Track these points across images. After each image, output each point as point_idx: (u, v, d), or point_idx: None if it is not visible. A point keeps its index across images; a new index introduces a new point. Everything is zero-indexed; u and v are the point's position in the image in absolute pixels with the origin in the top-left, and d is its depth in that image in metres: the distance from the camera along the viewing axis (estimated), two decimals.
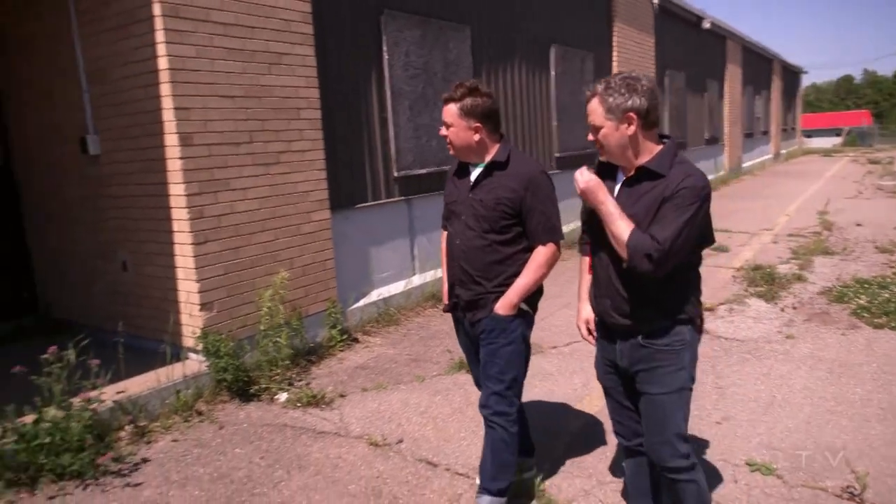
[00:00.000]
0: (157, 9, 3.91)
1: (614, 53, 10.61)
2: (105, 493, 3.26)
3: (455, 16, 6.80)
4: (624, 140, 2.25)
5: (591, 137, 2.35)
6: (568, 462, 3.41)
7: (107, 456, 3.47)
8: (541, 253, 2.76)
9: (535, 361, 4.81)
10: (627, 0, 11.02)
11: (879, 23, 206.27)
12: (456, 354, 5.02)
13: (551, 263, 2.78)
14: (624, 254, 2.21)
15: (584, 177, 2.29)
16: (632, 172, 2.31)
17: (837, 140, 45.16)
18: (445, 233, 2.97)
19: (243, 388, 4.34)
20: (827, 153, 32.88)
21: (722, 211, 12.16)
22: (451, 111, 2.69)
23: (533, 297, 2.82)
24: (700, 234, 2.26)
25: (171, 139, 4.08)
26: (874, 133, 46.51)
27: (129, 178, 4.48)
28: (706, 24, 15.14)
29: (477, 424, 3.87)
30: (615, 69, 10.63)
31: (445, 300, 2.99)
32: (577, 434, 3.75)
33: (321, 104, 5.05)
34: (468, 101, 2.67)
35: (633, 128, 2.23)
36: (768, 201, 13.68)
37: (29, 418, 3.39)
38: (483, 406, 2.84)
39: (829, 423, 3.70)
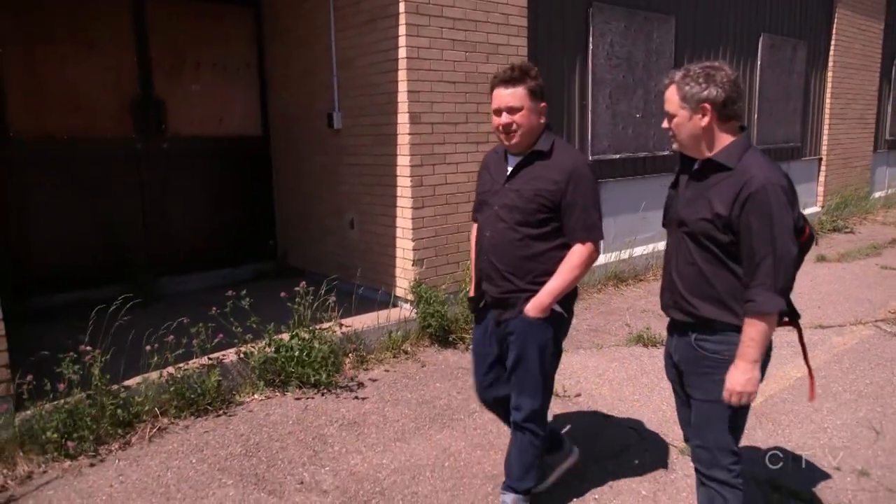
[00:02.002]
0: (402, 6, 4.64)
1: (832, 41, 9.92)
2: (337, 400, 4.09)
3: (661, 6, 6.95)
4: (697, 131, 2.18)
5: (665, 125, 2.30)
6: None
7: (342, 373, 4.31)
8: (577, 252, 2.57)
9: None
10: None
11: None
12: (634, 328, 5.34)
13: (588, 264, 2.59)
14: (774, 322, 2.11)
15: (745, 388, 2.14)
16: (697, 165, 2.25)
17: None
18: (476, 225, 2.82)
19: (443, 336, 5.03)
20: None
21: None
22: (519, 94, 2.50)
23: (567, 298, 2.65)
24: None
25: (403, 118, 4.83)
26: None
27: (364, 150, 5.34)
28: None
29: (651, 390, 4.21)
30: (832, 59, 9.96)
31: (472, 294, 2.84)
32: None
33: None
34: (535, 83, 2.54)
35: (706, 119, 2.16)
36: None
37: (284, 336, 4.31)
38: (516, 409, 2.74)
39: None
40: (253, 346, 4.19)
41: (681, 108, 2.20)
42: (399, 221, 5.09)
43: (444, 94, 4.97)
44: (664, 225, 2.47)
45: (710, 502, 2.36)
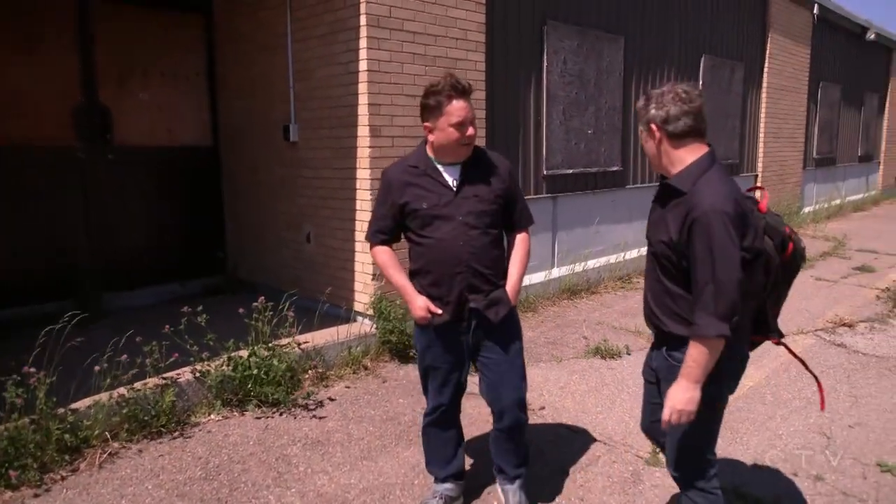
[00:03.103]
0: (363, 19, 4.61)
1: (766, 64, 10.43)
2: (297, 420, 3.97)
3: (611, 27, 7.15)
4: (654, 151, 2.26)
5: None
6: None
7: (302, 391, 4.20)
8: (526, 239, 2.84)
9: None
10: (785, 10, 10.78)
11: None
12: (591, 341, 5.42)
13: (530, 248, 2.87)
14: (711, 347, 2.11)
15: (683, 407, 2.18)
16: (658, 188, 2.33)
17: None
18: (384, 247, 2.77)
19: (403, 351, 4.97)
20: None
21: (868, 231, 11.61)
22: (471, 106, 2.60)
23: None
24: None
25: (363, 131, 4.78)
26: None
27: (323, 163, 5.25)
28: (871, 35, 14.31)
29: (612, 402, 4.26)
30: (766, 80, 10.47)
31: (435, 311, 2.67)
32: None
33: (486, 105, 5.62)
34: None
35: (657, 138, 2.22)
36: None
37: (242, 353, 4.17)
38: (503, 416, 2.85)
39: None
40: (209, 365, 4.04)
41: (641, 131, 2.32)
42: (358, 235, 5.03)
43: (404, 108, 4.95)
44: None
45: None
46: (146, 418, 3.64)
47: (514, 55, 6.09)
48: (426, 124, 2.63)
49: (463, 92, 2.55)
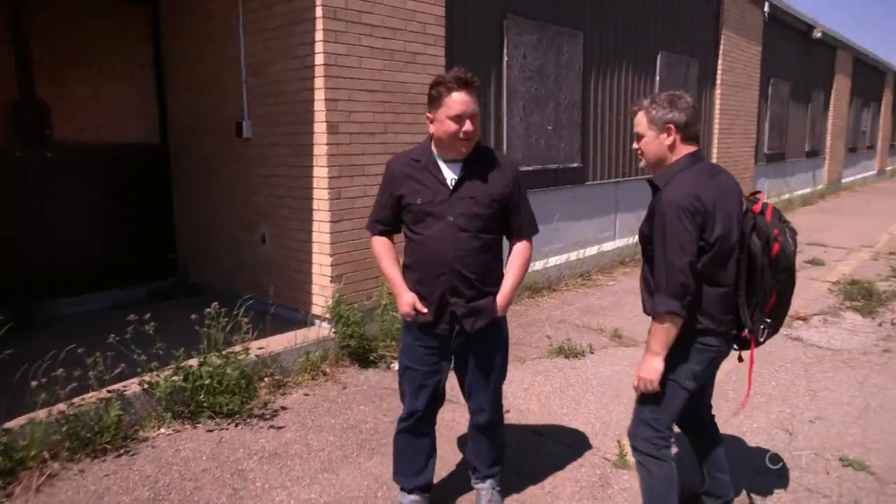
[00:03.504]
0: (319, 11, 4.43)
1: (720, 61, 10.58)
2: (253, 431, 3.79)
3: (570, 22, 7.10)
4: (662, 148, 2.48)
5: (635, 145, 2.61)
6: None
7: (258, 400, 4.02)
8: (526, 248, 2.74)
9: (629, 353, 5.09)
10: (738, 8, 10.95)
11: None
12: (554, 340, 5.36)
13: (530, 258, 2.79)
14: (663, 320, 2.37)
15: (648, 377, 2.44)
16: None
17: None
18: (383, 238, 2.74)
19: (363, 355, 4.83)
20: None
21: (817, 225, 11.93)
22: (475, 100, 2.54)
23: None
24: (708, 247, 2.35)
25: (320, 127, 4.60)
26: None
27: (278, 160, 5.05)
28: (817, 34, 14.70)
29: (577, 403, 4.21)
30: (720, 76, 10.61)
31: (421, 309, 2.62)
32: None
33: None
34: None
35: (671, 138, 2.46)
36: (869, 219, 13.24)
37: (193, 362, 3.97)
38: (483, 411, 2.84)
39: None
40: (158, 375, 3.82)
41: (649, 129, 2.50)
42: (316, 236, 4.85)
43: (362, 103, 4.80)
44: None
45: (640, 474, 2.64)
46: (89, 435, 3.41)
47: (475, 50, 5.99)
48: (427, 115, 2.56)
49: (465, 84, 2.47)
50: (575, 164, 7.44)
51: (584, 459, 3.49)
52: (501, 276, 2.71)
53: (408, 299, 2.62)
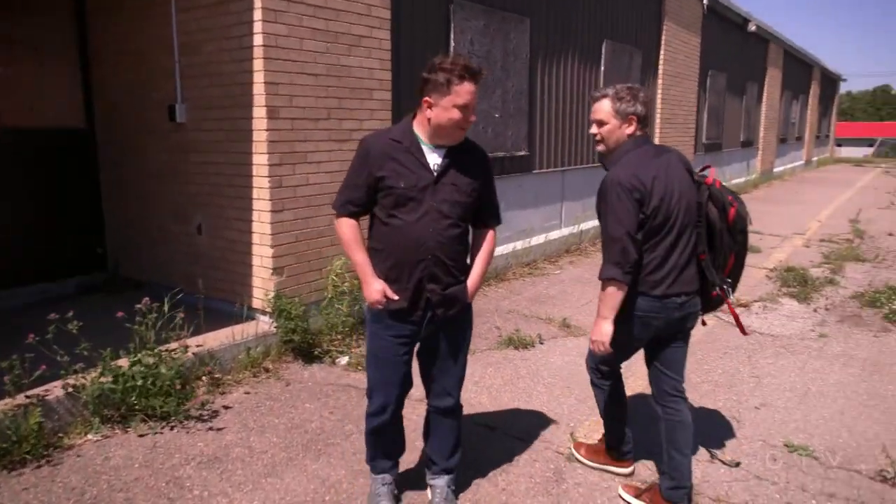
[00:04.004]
0: None
1: (661, 51, 10.72)
2: (190, 434, 3.57)
3: (517, 7, 7.01)
4: (622, 137, 2.72)
5: (593, 130, 2.79)
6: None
7: (195, 400, 3.79)
8: (492, 236, 2.76)
9: (578, 343, 5.07)
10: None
11: None
12: (504, 331, 5.30)
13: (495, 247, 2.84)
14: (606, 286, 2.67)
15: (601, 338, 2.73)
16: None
17: (869, 150, 44.67)
18: (352, 220, 2.62)
19: (307, 350, 4.64)
20: (858, 163, 32.59)
21: (752, 213, 12.09)
22: (476, 92, 2.55)
23: None
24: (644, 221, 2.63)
25: (260, 112, 4.36)
26: None
27: (214, 146, 4.78)
28: (752, 27, 15.12)
29: (528, 395, 4.15)
30: (661, 67, 10.75)
31: (392, 297, 2.57)
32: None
33: (392, 86, 5.31)
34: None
35: (632, 128, 2.71)
36: (800, 207, 13.77)
37: (123, 362, 3.71)
38: (449, 395, 2.83)
39: (863, 416, 3.92)
40: (84, 378, 3.55)
41: (613, 118, 2.72)
42: (256, 226, 4.62)
43: (304, 87, 4.57)
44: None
45: (594, 391, 3.17)
46: (5, 445, 3.12)
47: (421, 34, 5.82)
48: (427, 99, 2.46)
49: (475, 75, 2.46)
50: (522, 153, 7.39)
51: (537, 454, 3.43)
52: (468, 263, 2.73)
53: (378, 287, 2.56)
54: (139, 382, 3.64)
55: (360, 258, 2.60)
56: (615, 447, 3.23)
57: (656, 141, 10.95)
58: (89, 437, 3.46)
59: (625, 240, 2.56)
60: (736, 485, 3.18)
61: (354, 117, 4.98)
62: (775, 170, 20.19)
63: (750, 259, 7.03)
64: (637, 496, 2.99)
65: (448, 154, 2.55)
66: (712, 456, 3.40)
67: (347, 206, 2.61)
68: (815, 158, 27.88)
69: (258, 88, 4.33)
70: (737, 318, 3.09)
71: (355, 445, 3.46)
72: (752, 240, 9.32)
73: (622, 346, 2.79)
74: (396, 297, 2.56)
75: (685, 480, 2.89)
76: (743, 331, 3.20)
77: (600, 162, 2.84)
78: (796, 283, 7.00)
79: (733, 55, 14.95)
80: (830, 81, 30.96)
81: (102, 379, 3.58)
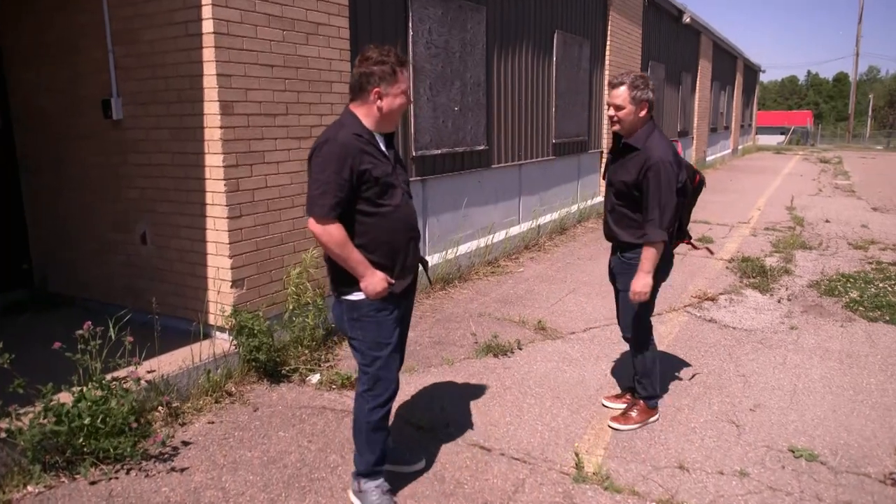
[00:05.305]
0: None
1: (608, 42, 10.66)
2: (151, 478, 3.13)
3: None
4: (637, 120, 3.29)
5: (611, 113, 3.33)
6: (619, 448, 3.45)
7: (153, 438, 3.32)
8: None
9: (558, 346, 4.87)
10: None
11: (830, 27, 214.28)
12: (481, 337, 5.02)
13: None
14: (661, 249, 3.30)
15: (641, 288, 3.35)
16: (621, 145, 3.40)
17: (781, 138, 46.98)
18: (339, 223, 2.54)
19: (273, 369, 4.23)
20: (778, 150, 34.10)
21: (696, 204, 12.47)
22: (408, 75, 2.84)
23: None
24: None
25: (212, 107, 3.90)
26: (816, 133, 48.67)
27: (157, 146, 4.27)
28: (686, 19, 15.38)
29: (519, 408, 3.89)
30: (608, 58, 10.71)
31: (392, 281, 2.68)
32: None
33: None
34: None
35: (644, 112, 3.28)
36: (737, 195, 14.10)
37: (66, 396, 3.22)
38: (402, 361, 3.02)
39: (854, 412, 3.85)
40: (20, 420, 3.04)
41: (630, 103, 3.27)
42: (211, 234, 4.15)
43: (260, 80, 4.13)
44: (605, 179, 3.60)
45: (634, 358, 3.70)
46: None
47: (378, 22, 5.44)
48: (377, 90, 2.57)
49: (406, 61, 2.70)
50: (481, 147, 7.11)
51: (541, 476, 3.17)
52: None
53: (381, 275, 2.64)
54: (87, 421, 3.16)
55: (357, 255, 2.59)
56: (657, 394, 3.75)
57: (605, 134, 10.94)
58: (29, 488, 2.98)
59: (675, 208, 3.24)
60: (751, 499, 3.02)
61: (314, 112, 4.57)
62: (707, 158, 20.75)
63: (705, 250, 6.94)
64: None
65: (386, 140, 2.72)
66: None
67: (336, 209, 2.54)
68: (740, 147, 28.93)
69: (209, 81, 3.87)
70: (694, 246, 3.87)
71: (344, 479, 3.11)
72: (702, 230, 9.52)
73: (654, 292, 3.44)
74: (394, 282, 2.69)
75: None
76: (710, 252, 4.41)
77: (613, 139, 3.50)
78: (755, 273, 7.03)
79: (670, 47, 15.17)
80: (752, 72, 32.20)
81: (43, 420, 3.09)
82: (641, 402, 3.70)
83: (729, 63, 24.29)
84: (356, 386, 2.90)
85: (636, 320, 3.57)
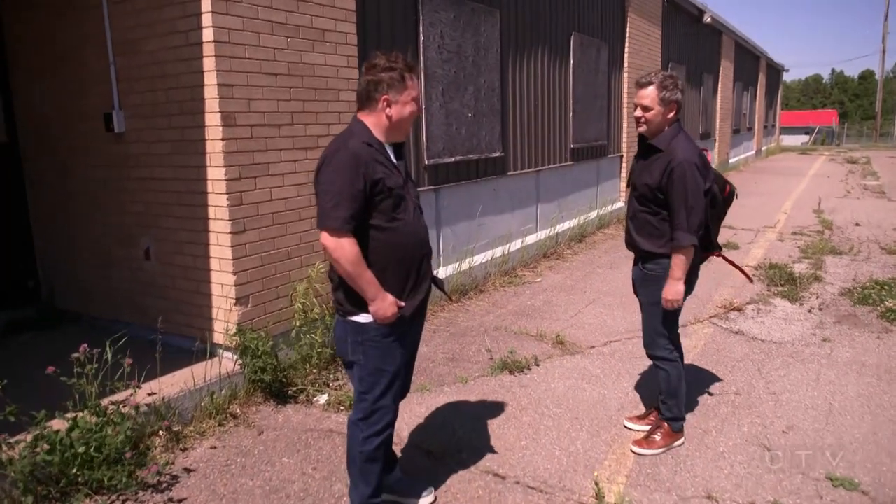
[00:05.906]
0: None
1: (626, 44, 10.42)
2: None
3: None
4: (665, 121, 3.18)
5: (638, 113, 3.21)
6: (642, 476, 3.23)
7: (150, 468, 3.16)
8: None
9: (577, 362, 4.66)
10: None
11: (854, 24, 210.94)
12: (496, 353, 4.82)
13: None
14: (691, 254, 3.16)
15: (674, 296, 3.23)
16: (645, 148, 3.28)
17: (805, 138, 46.11)
18: (353, 237, 2.38)
19: (279, 390, 4.07)
20: (803, 151, 33.43)
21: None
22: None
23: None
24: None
25: (213, 118, 3.76)
26: (842, 133, 47.72)
27: (160, 160, 4.14)
28: (707, 19, 15.06)
29: (535, 431, 3.69)
30: (626, 60, 10.46)
31: (401, 304, 2.53)
32: None
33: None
34: None
35: (673, 113, 3.18)
36: (762, 198, 13.73)
37: (59, 424, 3.08)
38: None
39: None
40: (12, 449, 2.91)
41: (658, 104, 3.15)
42: (214, 250, 4.01)
43: (264, 90, 3.99)
44: (629, 186, 3.45)
45: (658, 377, 3.48)
46: None
47: (388, 27, 5.28)
48: (385, 97, 2.46)
49: (415, 67, 2.58)
50: (497, 154, 6.92)
51: None
52: None
53: (391, 299, 2.49)
54: (81, 450, 3.02)
55: (369, 275, 2.43)
56: (682, 416, 3.53)
57: (624, 138, 10.69)
58: None
59: (703, 211, 3.09)
60: None
61: (320, 121, 4.41)
62: (731, 160, 20.34)
63: (730, 256, 6.81)
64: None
65: (396, 150, 2.59)
66: None
67: (351, 222, 2.37)
68: (763, 148, 28.39)
69: (210, 91, 3.73)
70: (730, 261, 3.71)
71: None
72: (727, 235, 9.21)
73: (680, 308, 3.32)
74: (403, 304, 2.53)
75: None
76: (740, 268, 3.80)
77: (639, 141, 3.35)
78: (783, 281, 6.74)
79: (691, 47, 14.86)
80: (775, 72, 31.62)
81: (36, 449, 2.96)
82: (666, 424, 3.48)
83: (751, 63, 23.83)
84: (350, 413, 2.73)
85: (660, 335, 3.38)
